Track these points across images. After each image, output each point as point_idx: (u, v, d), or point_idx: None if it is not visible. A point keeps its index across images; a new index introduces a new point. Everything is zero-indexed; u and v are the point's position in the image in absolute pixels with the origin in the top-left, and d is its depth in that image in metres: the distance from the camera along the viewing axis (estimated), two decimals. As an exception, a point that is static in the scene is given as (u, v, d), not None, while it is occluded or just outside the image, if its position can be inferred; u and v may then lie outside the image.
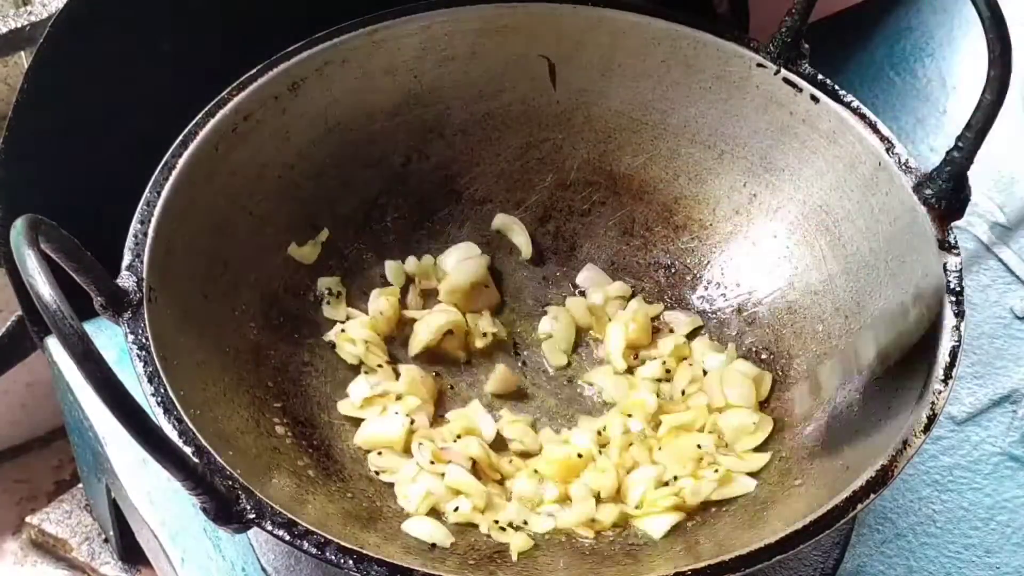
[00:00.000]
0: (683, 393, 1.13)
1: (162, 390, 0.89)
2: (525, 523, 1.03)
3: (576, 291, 1.22)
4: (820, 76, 1.13)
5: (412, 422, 1.07)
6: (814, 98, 1.13)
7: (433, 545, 0.98)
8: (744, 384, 1.10)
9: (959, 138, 1.02)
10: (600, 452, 1.07)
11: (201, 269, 1.03)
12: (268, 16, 1.20)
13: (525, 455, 1.10)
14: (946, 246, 1.02)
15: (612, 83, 1.20)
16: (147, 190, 1.00)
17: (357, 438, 1.08)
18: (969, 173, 1.03)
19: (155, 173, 1.01)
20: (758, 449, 1.07)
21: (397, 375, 1.12)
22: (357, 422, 1.09)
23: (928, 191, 1.04)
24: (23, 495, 1.59)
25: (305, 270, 1.15)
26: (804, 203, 1.15)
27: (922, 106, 1.51)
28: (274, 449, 1.00)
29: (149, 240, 0.97)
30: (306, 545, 0.83)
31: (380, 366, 1.12)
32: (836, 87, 1.12)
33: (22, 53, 1.36)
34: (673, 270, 1.22)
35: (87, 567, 1.51)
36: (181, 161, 1.02)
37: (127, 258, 0.95)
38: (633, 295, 1.22)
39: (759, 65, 1.15)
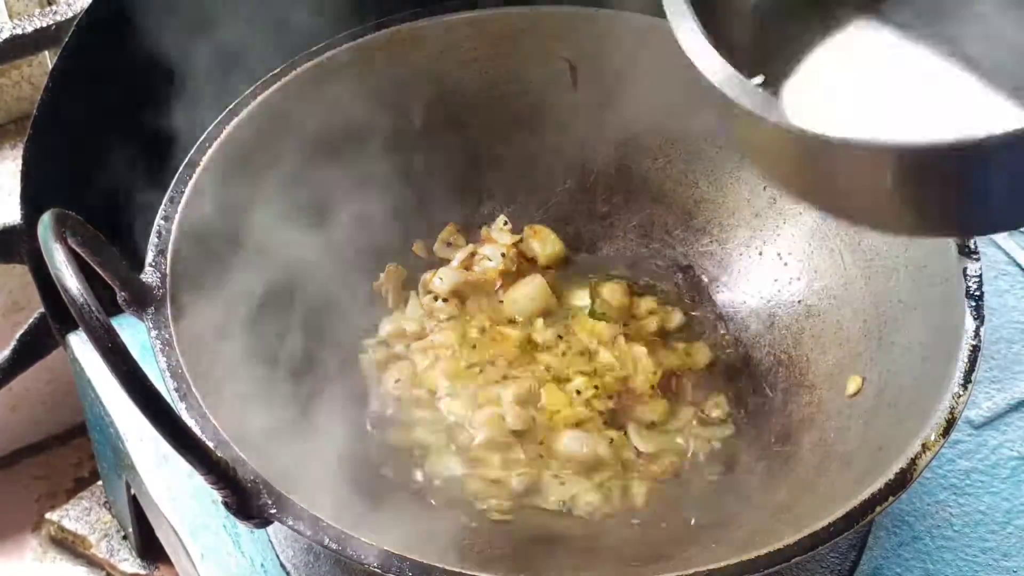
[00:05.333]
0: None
1: (184, 385, 0.89)
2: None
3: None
4: (841, 80, 1.13)
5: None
6: (835, 102, 1.13)
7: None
8: None
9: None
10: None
11: (223, 266, 1.03)
12: (290, 16, 1.20)
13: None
14: (966, 251, 1.02)
15: (633, 86, 1.20)
16: (171, 187, 1.01)
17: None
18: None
19: (179, 170, 1.02)
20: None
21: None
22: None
23: (948, 195, 1.04)
24: (43, 492, 1.60)
25: (326, 268, 1.15)
26: (823, 207, 1.15)
27: (942, 111, 1.51)
28: (295, 446, 1.00)
29: (172, 236, 0.97)
30: (327, 540, 0.83)
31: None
32: (857, 91, 1.12)
33: (46, 53, 1.37)
34: (692, 272, 1.23)
35: (106, 564, 1.52)
36: (204, 159, 1.03)
37: (151, 254, 0.96)
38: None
39: (780, 69, 1.15)
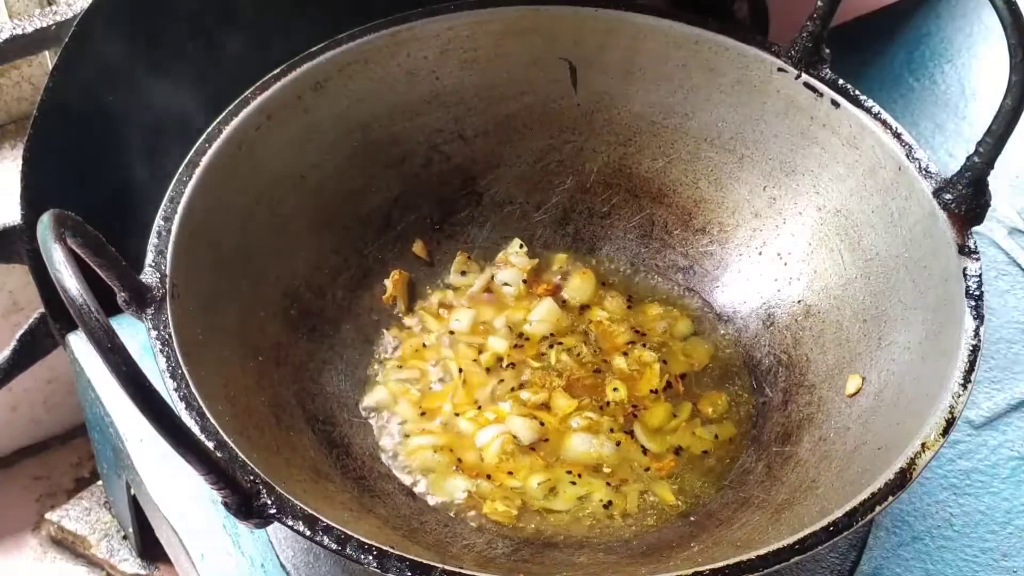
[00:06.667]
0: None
1: (184, 385, 0.89)
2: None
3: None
4: (841, 81, 1.13)
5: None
6: (835, 103, 1.13)
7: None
8: None
9: (979, 143, 1.02)
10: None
11: (223, 266, 1.04)
12: (291, 16, 1.21)
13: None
14: (966, 251, 1.02)
15: (633, 86, 1.21)
16: (171, 188, 1.01)
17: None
18: (989, 178, 1.03)
19: (179, 171, 1.02)
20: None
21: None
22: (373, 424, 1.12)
23: (948, 196, 1.04)
24: (43, 492, 1.59)
25: (326, 269, 1.15)
26: (823, 207, 1.15)
27: (941, 112, 1.51)
28: (294, 446, 1.00)
29: (172, 237, 0.97)
30: (327, 540, 0.83)
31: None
32: (857, 92, 1.12)
33: (46, 53, 1.37)
34: (692, 272, 1.23)
35: (106, 564, 1.52)
36: (205, 159, 1.03)
37: (150, 254, 0.96)
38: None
39: (780, 70, 1.15)
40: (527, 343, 1.18)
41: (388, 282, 1.19)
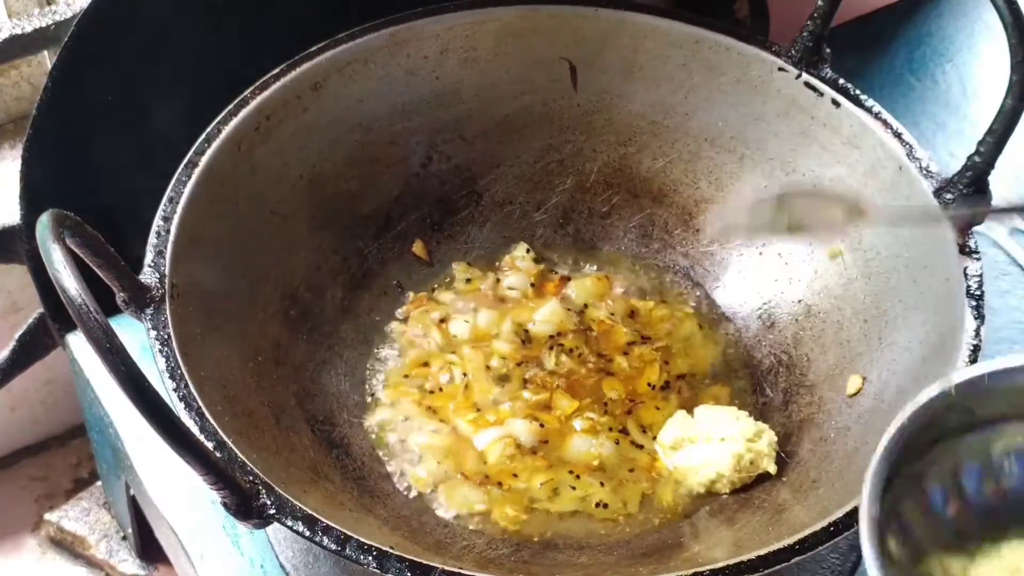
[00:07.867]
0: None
1: (183, 385, 0.89)
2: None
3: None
4: (841, 81, 1.13)
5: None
6: (835, 102, 1.13)
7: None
8: None
9: (980, 143, 1.02)
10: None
11: (223, 266, 1.04)
12: (291, 16, 1.20)
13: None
14: (966, 251, 1.02)
15: (633, 86, 1.20)
16: (170, 188, 1.01)
17: None
18: (989, 178, 1.03)
19: (178, 171, 1.02)
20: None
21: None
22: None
23: (949, 196, 1.04)
24: (42, 492, 1.59)
25: (325, 269, 1.15)
26: (824, 207, 1.15)
27: (942, 111, 1.51)
28: (294, 446, 1.00)
29: (171, 237, 0.97)
30: (326, 541, 0.83)
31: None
32: (857, 92, 1.12)
33: (45, 53, 1.37)
34: (692, 273, 1.22)
35: (105, 564, 1.52)
36: (204, 159, 1.03)
37: (150, 255, 0.96)
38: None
39: (780, 69, 1.15)
40: (531, 344, 1.17)
41: (407, 298, 1.20)
